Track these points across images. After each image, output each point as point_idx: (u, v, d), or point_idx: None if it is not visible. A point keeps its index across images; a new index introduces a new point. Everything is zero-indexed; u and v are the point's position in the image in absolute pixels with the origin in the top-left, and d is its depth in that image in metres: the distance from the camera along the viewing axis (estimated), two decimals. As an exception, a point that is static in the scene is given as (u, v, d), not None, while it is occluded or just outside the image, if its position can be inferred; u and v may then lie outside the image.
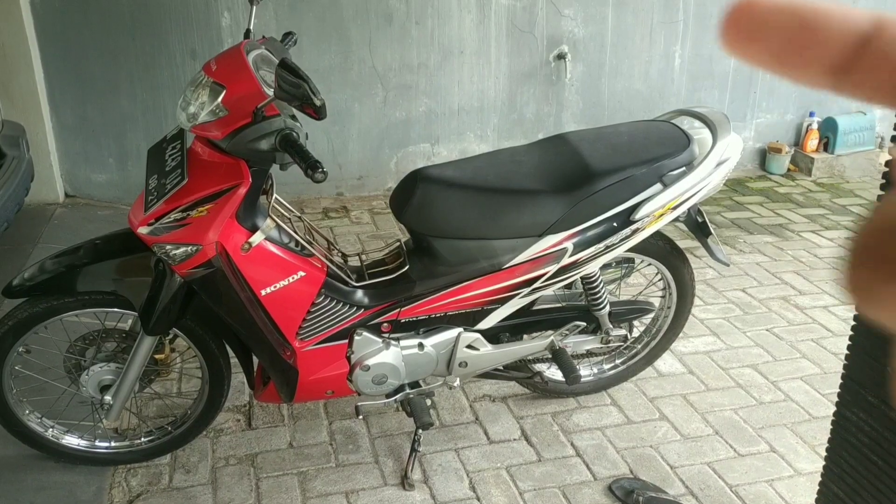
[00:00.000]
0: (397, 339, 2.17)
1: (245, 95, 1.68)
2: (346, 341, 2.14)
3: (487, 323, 2.21)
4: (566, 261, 2.11)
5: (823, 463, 1.72)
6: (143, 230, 1.82)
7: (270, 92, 1.69)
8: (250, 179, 1.78)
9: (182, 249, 1.80)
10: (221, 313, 1.96)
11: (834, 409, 1.67)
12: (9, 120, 3.02)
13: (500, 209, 2.05)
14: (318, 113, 1.54)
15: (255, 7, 2.02)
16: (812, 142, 5.09)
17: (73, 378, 2.12)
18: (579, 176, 2.09)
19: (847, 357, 1.64)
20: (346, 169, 4.50)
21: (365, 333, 2.14)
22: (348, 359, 2.15)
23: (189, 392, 2.52)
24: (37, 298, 1.97)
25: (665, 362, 2.85)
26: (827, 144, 5.11)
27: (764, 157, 5.17)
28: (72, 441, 2.23)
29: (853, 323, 1.62)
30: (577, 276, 2.18)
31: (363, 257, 2.23)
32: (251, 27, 2.01)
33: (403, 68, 4.37)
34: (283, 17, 4.12)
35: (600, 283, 2.28)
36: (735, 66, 4.92)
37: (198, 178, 1.79)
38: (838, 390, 1.66)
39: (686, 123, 2.29)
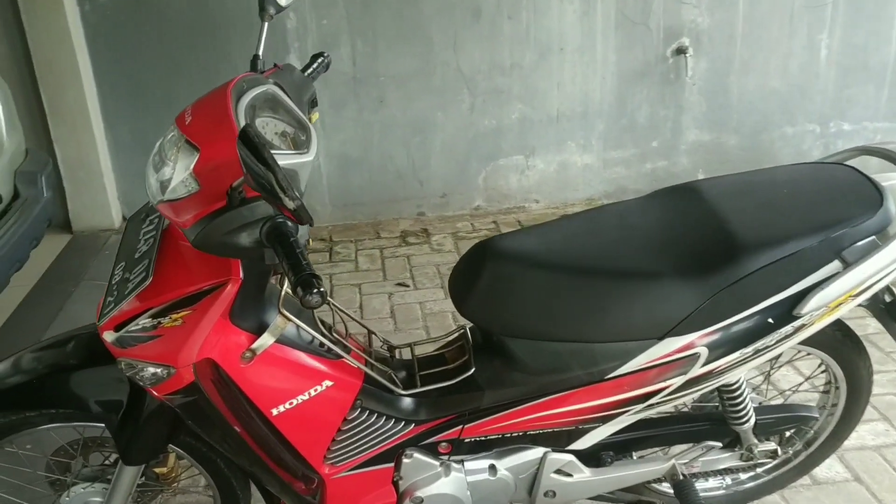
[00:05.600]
0: (460, 462, 1.62)
1: (222, 164, 1.15)
2: (392, 464, 1.60)
3: (584, 443, 1.63)
4: (698, 371, 1.49)
5: None
6: (107, 337, 1.34)
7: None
8: (241, 274, 1.27)
9: (151, 371, 1.30)
10: (217, 446, 1.46)
11: None
12: (35, 150, 2.66)
13: (602, 300, 1.45)
14: (296, 217, 1.00)
15: (266, 24, 1.50)
16: None
17: (55, 498, 1.69)
18: (719, 251, 1.45)
19: None
20: (428, 185, 3.97)
21: (416, 455, 1.60)
22: (395, 485, 1.62)
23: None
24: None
25: (822, 464, 2.17)
26: None
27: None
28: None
29: None
30: (714, 387, 1.56)
31: (416, 351, 1.67)
32: (259, 52, 1.49)
33: (493, 70, 3.79)
34: (356, 17, 3.61)
35: (744, 392, 1.65)
36: (896, 56, 4.07)
37: (170, 272, 1.29)
38: None
39: (873, 169, 1.61)
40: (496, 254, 1.49)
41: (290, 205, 0.97)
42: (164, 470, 1.76)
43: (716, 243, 1.47)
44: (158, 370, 1.29)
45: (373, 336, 1.66)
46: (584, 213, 1.64)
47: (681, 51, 3.85)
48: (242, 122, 1.20)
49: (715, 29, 3.85)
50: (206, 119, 1.22)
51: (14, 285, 3.05)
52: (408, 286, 3.30)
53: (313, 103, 1.49)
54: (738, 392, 1.65)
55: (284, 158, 1.23)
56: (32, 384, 1.51)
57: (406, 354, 1.68)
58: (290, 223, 1.13)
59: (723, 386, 1.63)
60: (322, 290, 1.01)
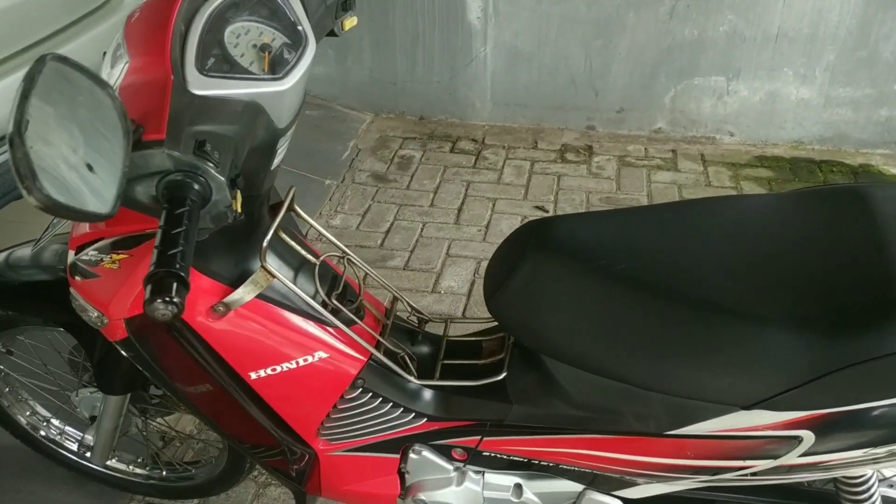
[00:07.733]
0: (480, 473, 1.33)
1: (143, 86, 0.86)
2: (398, 455, 1.34)
3: (633, 494, 1.26)
4: (795, 459, 1.06)
5: None
6: (70, 256, 1.15)
7: (198, 86, 0.87)
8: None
9: (89, 313, 1.10)
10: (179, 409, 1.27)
11: None
12: None
13: (676, 339, 1.04)
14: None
15: None
16: None
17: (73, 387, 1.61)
18: (869, 304, 0.98)
19: None
20: (603, 97, 3.47)
21: (425, 453, 1.32)
22: (400, 475, 1.37)
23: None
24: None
25: None
26: None
27: None
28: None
29: None
30: (820, 479, 1.12)
31: (449, 330, 1.35)
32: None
33: (707, -31, 3.13)
34: None
35: (872, 486, 1.18)
36: None
37: None
38: None
39: None
40: (546, 241, 1.11)
41: (30, 199, 0.66)
42: (178, 389, 1.62)
43: (867, 291, 0.98)
44: (94, 315, 1.09)
45: (397, 302, 1.35)
46: (689, 203, 1.18)
47: (964, -30, 2.96)
48: (198, 30, 0.90)
49: None
50: (147, 20, 0.93)
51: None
52: (546, 212, 2.93)
53: (346, 5, 1.14)
54: (863, 486, 1.18)
55: (241, 85, 0.92)
56: (38, 284, 1.38)
57: (438, 330, 1.37)
58: (196, 185, 0.83)
59: (842, 478, 1.18)
60: (176, 300, 0.72)
